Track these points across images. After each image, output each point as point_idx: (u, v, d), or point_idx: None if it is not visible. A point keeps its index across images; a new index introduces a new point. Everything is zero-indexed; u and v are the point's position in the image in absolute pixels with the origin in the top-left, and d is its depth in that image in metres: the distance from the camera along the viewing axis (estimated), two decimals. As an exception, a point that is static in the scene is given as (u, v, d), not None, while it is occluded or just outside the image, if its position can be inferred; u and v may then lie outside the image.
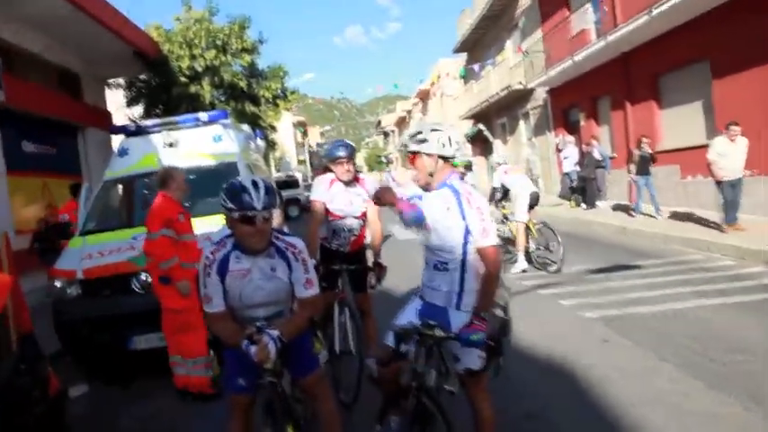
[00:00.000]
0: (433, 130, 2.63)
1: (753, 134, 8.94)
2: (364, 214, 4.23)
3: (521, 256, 8.02)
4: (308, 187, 28.40)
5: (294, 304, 2.75)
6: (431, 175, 2.65)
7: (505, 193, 8.55)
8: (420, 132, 2.66)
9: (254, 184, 2.46)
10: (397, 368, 2.56)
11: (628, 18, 12.26)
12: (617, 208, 13.45)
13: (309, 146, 70.13)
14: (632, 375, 4.04)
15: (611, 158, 14.82)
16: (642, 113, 13.64)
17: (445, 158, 2.62)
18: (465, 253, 2.56)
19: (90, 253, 5.17)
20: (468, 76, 27.39)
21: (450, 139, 2.60)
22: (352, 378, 3.98)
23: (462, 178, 7.55)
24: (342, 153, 4.05)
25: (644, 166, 11.35)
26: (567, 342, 4.84)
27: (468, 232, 2.53)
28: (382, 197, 2.78)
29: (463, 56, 29.46)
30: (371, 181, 4.32)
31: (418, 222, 2.71)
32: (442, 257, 2.63)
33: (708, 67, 11.05)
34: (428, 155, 2.62)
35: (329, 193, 4.12)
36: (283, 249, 2.58)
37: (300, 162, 61.88)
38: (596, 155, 14.14)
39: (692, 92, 11.89)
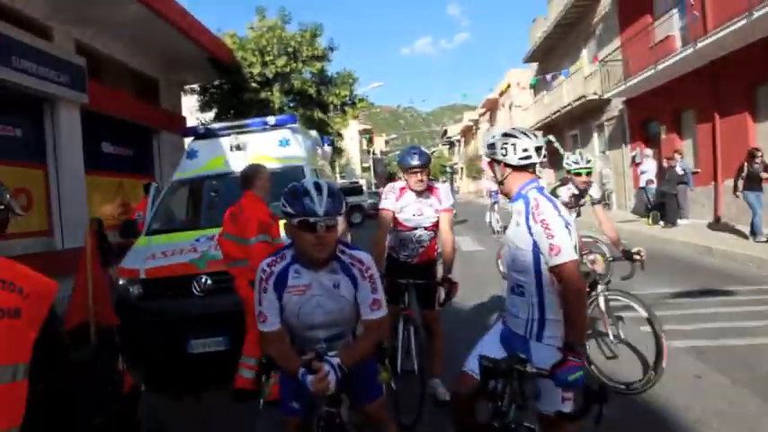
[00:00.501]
0: (504, 134, 2.36)
1: None
2: (435, 225, 3.92)
3: None
4: (372, 194, 28.87)
5: (358, 326, 2.48)
6: (500, 183, 2.39)
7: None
8: (492, 137, 2.40)
9: (317, 186, 2.18)
10: (474, 401, 2.25)
11: (719, 23, 11.36)
12: (711, 226, 12.40)
13: (374, 153, 70.59)
14: (734, 421, 3.53)
15: (693, 174, 13.82)
16: (733, 126, 12.59)
17: (515, 166, 2.33)
18: (539, 274, 2.24)
19: (154, 253, 5.16)
20: (538, 86, 26.63)
21: (515, 147, 2.30)
22: (414, 399, 3.69)
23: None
24: (415, 162, 3.74)
25: (756, 181, 9.86)
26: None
27: (536, 250, 2.22)
28: None
29: (534, 66, 28.67)
30: (446, 190, 3.99)
31: None
32: (518, 279, 2.32)
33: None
34: (497, 162, 2.37)
35: (399, 203, 3.86)
36: (349, 265, 2.30)
37: (365, 169, 62.39)
38: (678, 170, 13.21)
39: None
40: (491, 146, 2.37)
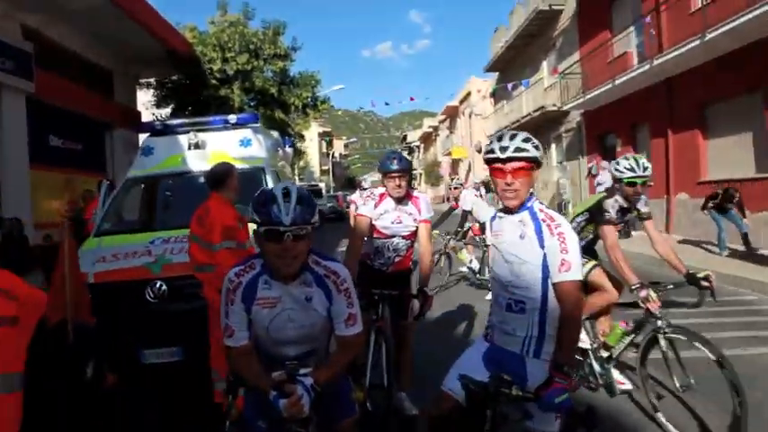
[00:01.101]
0: (525, 139, 2.18)
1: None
2: (413, 234, 3.82)
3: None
4: (331, 198, 28.66)
5: (328, 343, 2.33)
6: (530, 193, 2.24)
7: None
8: (527, 139, 2.18)
9: (285, 192, 2.01)
10: (452, 422, 2.14)
11: (674, 42, 11.77)
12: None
13: (333, 157, 70.26)
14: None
15: (648, 186, 14.23)
16: (685, 143, 13.06)
17: None
18: (545, 291, 2.14)
19: (104, 256, 4.84)
20: (498, 95, 27.04)
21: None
22: (380, 414, 3.56)
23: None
24: (394, 167, 3.62)
25: (725, 210, 9.98)
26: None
27: (546, 265, 2.11)
28: None
29: (495, 75, 29.11)
30: (426, 200, 3.87)
31: None
32: (517, 296, 2.20)
33: (760, 98, 10.48)
34: (538, 165, 2.19)
35: (378, 210, 3.73)
36: (323, 276, 2.14)
37: (324, 172, 61.98)
38: (633, 182, 13.56)
39: (742, 123, 11.29)
40: (537, 148, 2.18)
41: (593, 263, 4.03)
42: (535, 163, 2.17)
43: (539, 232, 2.12)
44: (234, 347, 2.15)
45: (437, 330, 6.00)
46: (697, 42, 10.70)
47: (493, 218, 2.38)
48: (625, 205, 3.91)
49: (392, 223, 3.75)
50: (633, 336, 3.78)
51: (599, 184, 15.50)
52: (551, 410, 1.90)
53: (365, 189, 9.02)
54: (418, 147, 68.05)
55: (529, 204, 2.21)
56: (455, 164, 44.24)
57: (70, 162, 11.55)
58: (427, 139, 60.82)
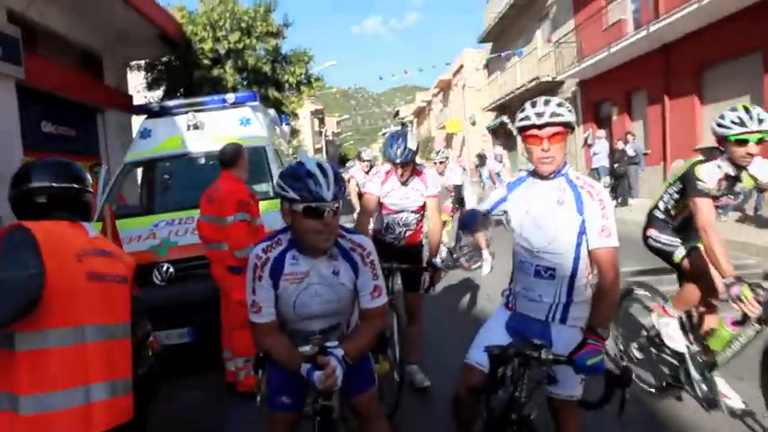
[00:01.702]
0: (559, 104, 2.14)
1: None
2: (422, 208, 3.82)
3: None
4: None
5: (352, 317, 2.33)
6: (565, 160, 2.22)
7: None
8: (561, 104, 2.14)
9: (321, 168, 1.99)
10: (480, 395, 2.15)
11: (671, 8, 11.64)
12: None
13: (326, 135, 69.76)
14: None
15: (644, 155, 14.24)
16: (682, 109, 13.02)
17: None
18: (577, 258, 2.13)
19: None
20: (492, 66, 26.77)
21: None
22: (393, 388, 3.60)
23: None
24: (398, 160, 3.52)
25: None
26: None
27: (582, 231, 2.10)
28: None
29: (488, 46, 28.80)
30: (432, 176, 3.88)
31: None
32: (548, 262, 2.18)
33: (759, 60, 10.42)
34: (572, 130, 2.18)
35: (384, 187, 3.74)
36: (349, 250, 2.14)
37: (317, 151, 61.59)
38: (630, 151, 13.58)
39: (740, 86, 11.24)
40: (571, 112, 2.16)
41: (691, 244, 3.30)
42: (570, 127, 2.15)
43: (578, 198, 2.10)
44: (262, 324, 2.14)
45: (440, 305, 6.04)
46: (694, 6, 10.59)
47: (515, 184, 2.35)
48: (732, 172, 3.00)
49: (400, 200, 3.76)
50: (743, 339, 2.97)
51: (594, 153, 15.50)
52: (585, 372, 1.90)
53: (365, 161, 8.91)
54: (411, 122, 67.63)
55: (563, 171, 2.18)
56: (449, 137, 44.05)
57: (64, 148, 11.42)
58: (420, 114, 60.44)
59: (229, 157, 4.17)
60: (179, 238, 4.68)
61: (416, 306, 3.95)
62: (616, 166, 13.85)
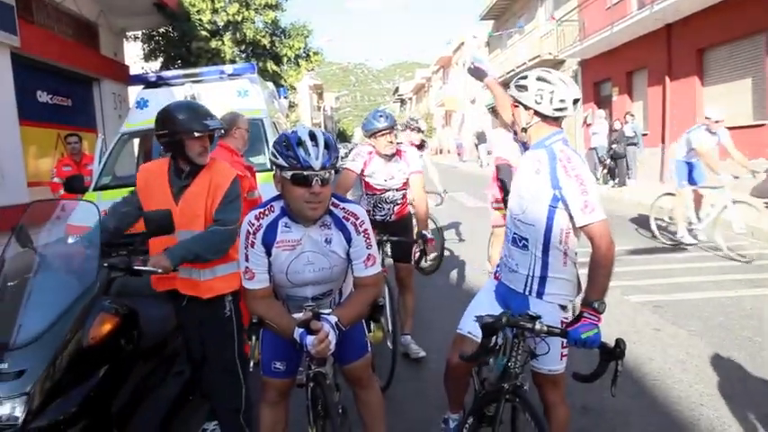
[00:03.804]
0: (538, 78, 2.14)
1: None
2: (405, 184, 3.92)
3: None
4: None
5: (343, 285, 2.36)
6: (524, 130, 2.21)
7: None
8: (524, 78, 2.19)
9: (313, 136, 1.99)
10: (471, 365, 2.19)
11: (675, -14, 11.49)
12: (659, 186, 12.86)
13: (324, 110, 69.28)
14: (693, 369, 3.69)
15: (643, 135, 14.21)
16: (683, 90, 12.95)
17: (544, 116, 2.15)
18: (548, 230, 2.13)
19: (105, 210, 4.82)
20: (493, 44, 26.52)
21: (552, 95, 2.10)
22: (386, 359, 3.65)
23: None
24: (382, 124, 3.68)
25: None
26: (620, 330, 4.46)
27: (554, 205, 2.09)
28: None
29: (490, 24, 28.47)
30: (413, 153, 3.98)
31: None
32: (522, 231, 2.20)
33: (762, 42, 10.34)
34: (525, 106, 2.18)
35: (368, 168, 3.82)
36: (342, 219, 2.15)
37: (315, 125, 61.20)
38: (628, 131, 13.54)
39: (742, 68, 11.18)
40: (522, 88, 2.17)
41: None
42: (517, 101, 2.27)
43: (553, 171, 2.09)
44: (255, 290, 2.16)
45: (433, 277, 6.09)
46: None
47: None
48: None
49: (385, 180, 3.86)
50: None
51: (594, 133, 15.46)
52: (579, 345, 1.91)
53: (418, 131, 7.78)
54: (410, 98, 67.14)
55: (547, 143, 2.17)
56: (448, 115, 43.80)
57: (60, 117, 11.35)
58: (420, 91, 59.99)
59: (225, 126, 4.14)
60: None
61: (408, 277, 4.03)
62: (614, 146, 13.82)
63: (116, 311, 2.66)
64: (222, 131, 4.11)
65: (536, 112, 2.16)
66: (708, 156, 6.64)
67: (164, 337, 3.09)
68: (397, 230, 3.90)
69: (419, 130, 6.14)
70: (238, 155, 4.06)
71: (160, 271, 2.43)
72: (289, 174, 1.97)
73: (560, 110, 2.12)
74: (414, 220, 4.10)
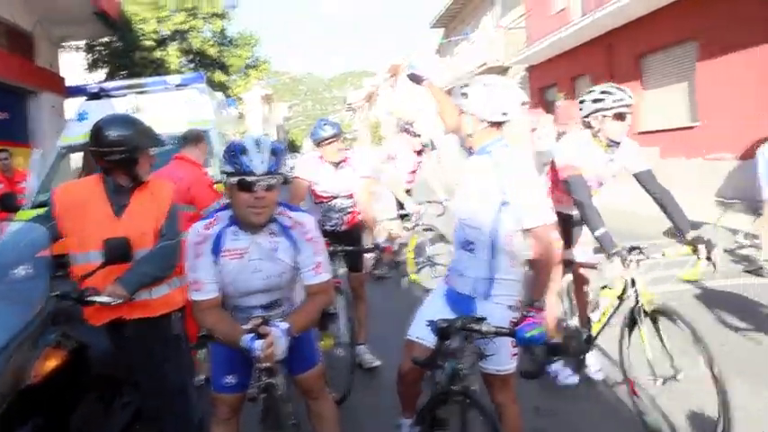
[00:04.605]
0: (482, 85, 2.21)
1: (738, 116, 8.80)
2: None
3: None
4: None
5: (293, 293, 2.32)
6: (469, 136, 2.25)
7: None
8: (467, 85, 2.24)
9: (257, 143, 2.03)
10: (422, 371, 2.17)
11: (614, -5, 11.96)
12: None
13: (276, 120, 68.61)
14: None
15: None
16: (624, 94, 13.45)
17: (489, 122, 2.20)
18: (494, 232, 2.17)
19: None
20: (443, 51, 26.93)
21: (495, 102, 2.17)
22: (343, 370, 3.59)
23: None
24: (328, 133, 3.72)
25: None
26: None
27: (500, 209, 2.14)
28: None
29: (440, 31, 28.89)
30: (358, 158, 3.98)
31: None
32: (470, 235, 2.24)
33: (694, 49, 10.87)
34: (470, 113, 2.22)
35: (316, 175, 3.81)
36: (289, 227, 2.15)
37: (265, 136, 60.34)
38: (574, 135, 13.95)
39: (677, 73, 11.73)
40: (464, 95, 2.22)
41: None
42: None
43: (498, 176, 2.13)
44: (202, 301, 2.12)
45: (384, 288, 6.03)
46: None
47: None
48: None
49: (331, 187, 3.86)
50: None
51: (539, 138, 15.84)
52: (525, 344, 1.96)
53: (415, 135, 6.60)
54: (360, 107, 67.32)
55: (489, 149, 2.21)
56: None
57: (-6, 132, 10.75)
58: (370, 99, 60.26)
59: (195, 135, 4.08)
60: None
61: (361, 286, 4.03)
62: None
63: (62, 344, 2.45)
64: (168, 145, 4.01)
65: (480, 119, 2.20)
66: None
67: (113, 365, 2.91)
68: (349, 240, 3.88)
69: (416, 135, 5.90)
70: (200, 167, 3.99)
71: (118, 301, 2.28)
72: (235, 179, 2.00)
73: (504, 114, 2.18)
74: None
